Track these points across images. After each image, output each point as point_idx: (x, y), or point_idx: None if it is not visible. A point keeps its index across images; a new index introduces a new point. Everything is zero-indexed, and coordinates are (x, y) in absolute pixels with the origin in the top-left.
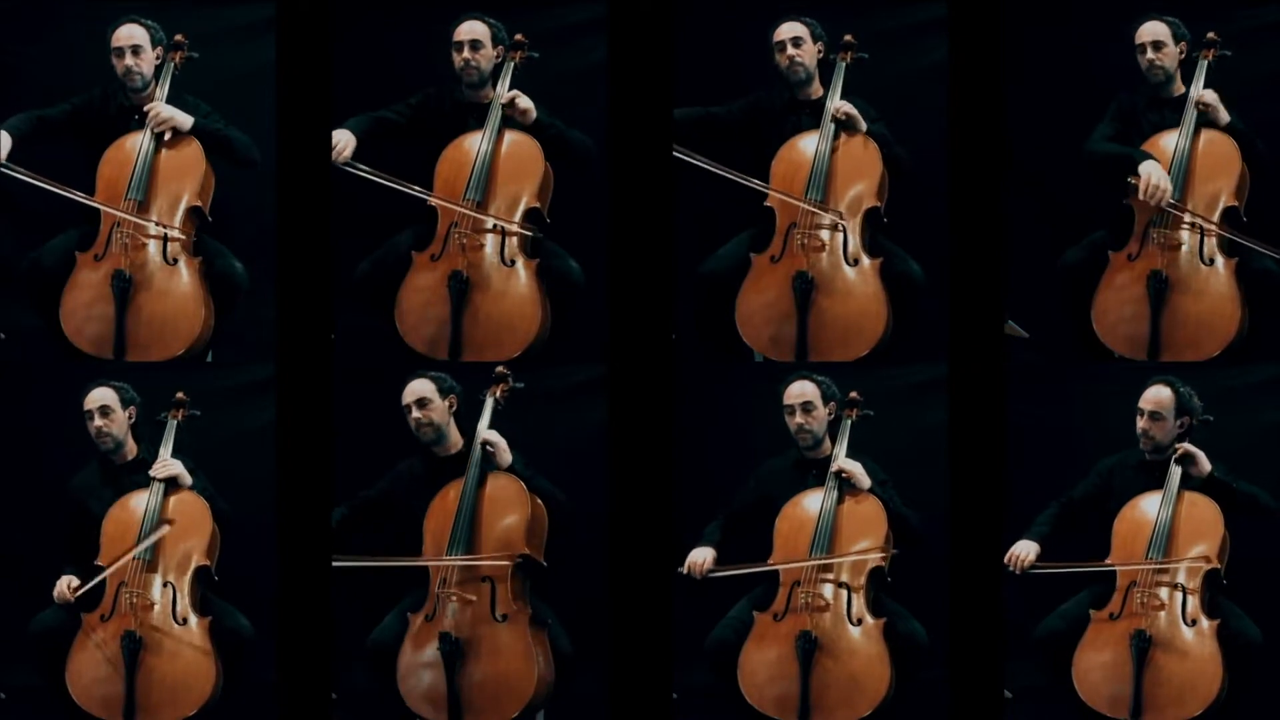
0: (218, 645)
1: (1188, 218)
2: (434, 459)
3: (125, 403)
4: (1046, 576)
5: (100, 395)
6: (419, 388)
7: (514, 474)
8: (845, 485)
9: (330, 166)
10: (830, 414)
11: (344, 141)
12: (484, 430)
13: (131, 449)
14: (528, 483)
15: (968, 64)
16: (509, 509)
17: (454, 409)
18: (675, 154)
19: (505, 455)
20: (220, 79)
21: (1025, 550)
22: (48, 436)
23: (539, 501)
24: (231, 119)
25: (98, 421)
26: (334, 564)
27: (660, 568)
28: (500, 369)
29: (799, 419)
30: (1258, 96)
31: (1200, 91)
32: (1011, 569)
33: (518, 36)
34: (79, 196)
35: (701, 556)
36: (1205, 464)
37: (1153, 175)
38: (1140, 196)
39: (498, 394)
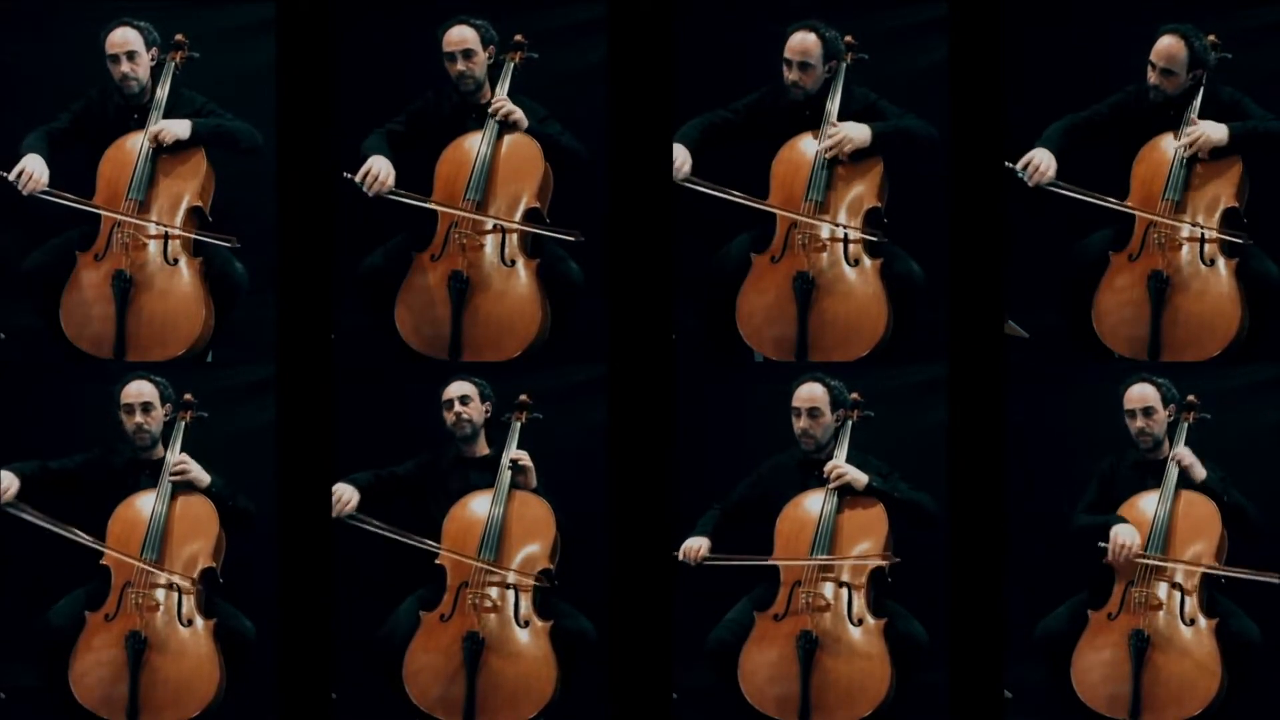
0: (221, 647)
1: (1185, 231)
2: (461, 458)
3: (164, 399)
4: (1046, 577)
5: (141, 390)
6: (463, 386)
7: (542, 498)
8: (846, 488)
9: (331, 167)
10: (837, 421)
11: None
12: (515, 450)
13: (160, 449)
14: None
15: (968, 64)
16: (537, 532)
17: (489, 414)
18: (687, 184)
19: (533, 478)
20: (220, 79)
21: (1130, 537)
22: (48, 436)
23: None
24: None
25: (139, 417)
26: (347, 520)
27: (660, 568)
28: (524, 398)
29: (804, 423)
30: (1258, 96)
31: (1197, 123)
32: (1119, 559)
33: (517, 37)
34: (78, 203)
35: (697, 544)
36: (1200, 471)
37: (1033, 157)
38: (1109, 558)
39: (523, 419)
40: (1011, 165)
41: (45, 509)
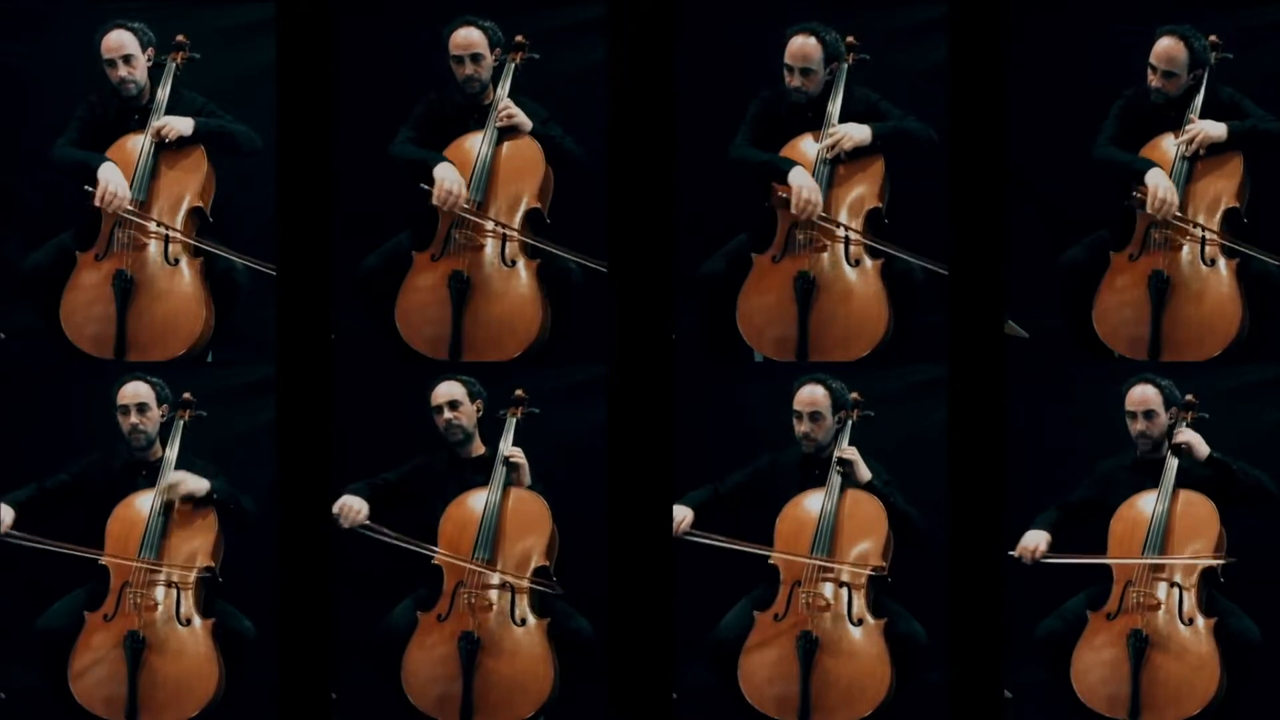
0: (220, 646)
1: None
2: (457, 459)
3: (160, 400)
4: (1047, 577)
5: (137, 390)
6: (451, 390)
7: (537, 494)
8: (847, 479)
9: (330, 168)
10: (838, 422)
11: None
12: (508, 447)
13: (158, 449)
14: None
15: (968, 64)
16: (533, 528)
17: (480, 414)
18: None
19: (527, 475)
20: (220, 79)
21: (1036, 540)
22: (48, 437)
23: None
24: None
25: (134, 418)
26: (359, 529)
27: (661, 568)
28: (519, 393)
29: (805, 427)
30: (1258, 96)
31: (1199, 121)
32: (1023, 560)
33: (518, 37)
34: (137, 215)
35: (680, 515)
36: (1203, 447)
37: (1159, 188)
38: (1149, 210)
39: (518, 414)
40: (1140, 196)
41: (45, 518)
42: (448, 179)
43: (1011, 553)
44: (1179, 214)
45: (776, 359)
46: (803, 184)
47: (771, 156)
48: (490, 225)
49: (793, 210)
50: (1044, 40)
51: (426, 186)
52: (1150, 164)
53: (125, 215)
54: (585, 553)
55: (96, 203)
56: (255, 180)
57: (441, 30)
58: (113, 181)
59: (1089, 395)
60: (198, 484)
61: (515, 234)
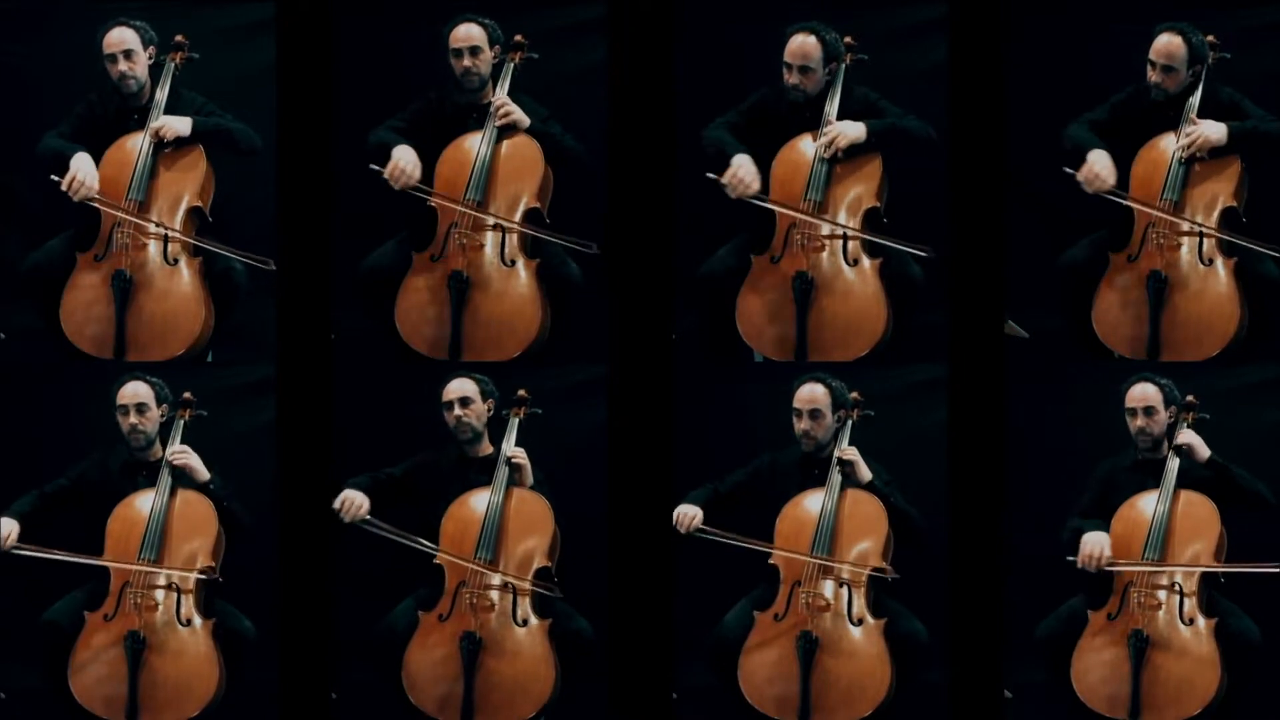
0: (221, 646)
1: (1185, 225)
2: (465, 458)
3: (159, 400)
4: (1047, 577)
5: (136, 390)
6: (463, 387)
7: (540, 495)
8: (848, 479)
9: (330, 168)
10: (837, 421)
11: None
12: (511, 448)
13: (158, 450)
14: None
15: (968, 64)
16: (535, 528)
17: (491, 412)
18: None
19: (529, 476)
20: (220, 79)
21: (1100, 546)
22: (48, 437)
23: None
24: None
25: (133, 418)
26: (360, 524)
27: (661, 568)
28: (522, 393)
29: (805, 424)
30: (1258, 97)
31: (1196, 123)
32: (1088, 569)
33: (517, 37)
34: (109, 206)
35: (691, 512)
36: (1203, 449)
37: (1095, 163)
38: (1079, 180)
39: (521, 414)
40: (1071, 171)
41: (46, 523)
42: (404, 158)
43: (1071, 559)
44: (1117, 191)
45: (776, 359)
46: (741, 164)
47: (730, 142)
48: (490, 221)
49: (724, 184)
50: (1044, 40)
51: (377, 168)
52: (1099, 144)
53: (92, 203)
54: (586, 553)
55: (63, 188)
56: (255, 180)
57: (441, 30)
58: (81, 170)
59: (1089, 395)
60: (199, 467)
61: (515, 226)
